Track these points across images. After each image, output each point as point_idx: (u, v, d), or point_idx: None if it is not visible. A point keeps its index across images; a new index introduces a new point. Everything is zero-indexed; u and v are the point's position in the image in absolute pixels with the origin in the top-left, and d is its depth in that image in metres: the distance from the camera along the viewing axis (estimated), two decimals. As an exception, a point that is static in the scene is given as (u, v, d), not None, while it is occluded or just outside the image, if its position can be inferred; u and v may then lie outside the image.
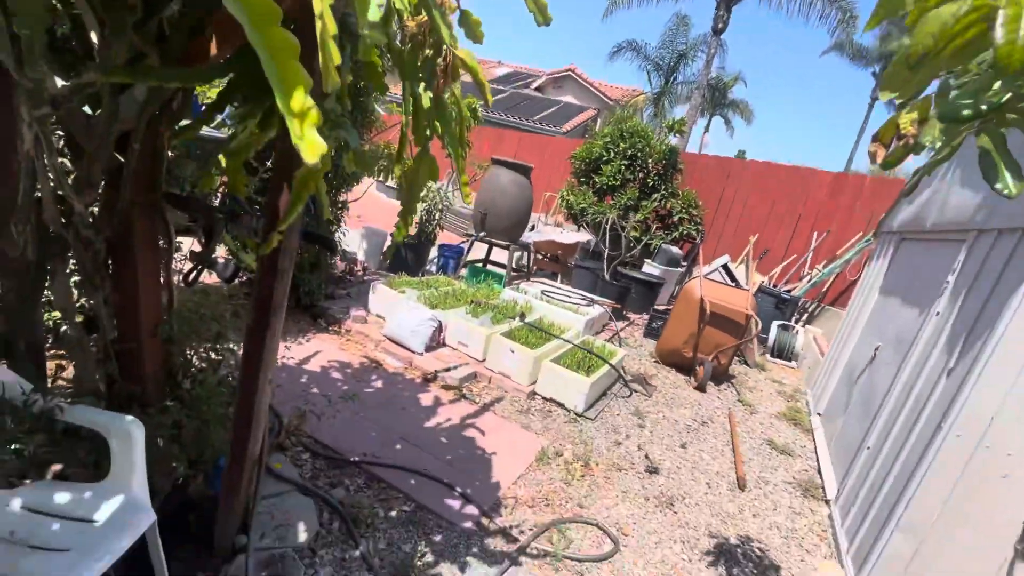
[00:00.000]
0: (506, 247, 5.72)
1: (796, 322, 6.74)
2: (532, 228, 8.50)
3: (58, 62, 1.42)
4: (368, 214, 9.49)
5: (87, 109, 1.58)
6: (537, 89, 19.62)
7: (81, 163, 1.56)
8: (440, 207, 6.32)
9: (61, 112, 1.42)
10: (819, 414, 4.26)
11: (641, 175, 7.48)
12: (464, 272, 5.87)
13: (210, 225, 1.69)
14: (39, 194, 1.51)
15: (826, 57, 20.11)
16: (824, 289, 6.93)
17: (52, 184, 1.50)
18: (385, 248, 5.81)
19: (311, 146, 0.49)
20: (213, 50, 1.43)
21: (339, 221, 4.35)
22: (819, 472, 3.42)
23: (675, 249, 7.23)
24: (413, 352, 3.69)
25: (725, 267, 6.38)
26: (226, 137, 1.80)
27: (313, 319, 4.04)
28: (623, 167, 7.43)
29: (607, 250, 6.64)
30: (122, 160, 1.57)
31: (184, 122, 1.66)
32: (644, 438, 3.37)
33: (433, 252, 6.27)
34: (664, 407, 3.95)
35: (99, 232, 1.60)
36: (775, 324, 6.11)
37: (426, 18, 1.12)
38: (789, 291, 6.75)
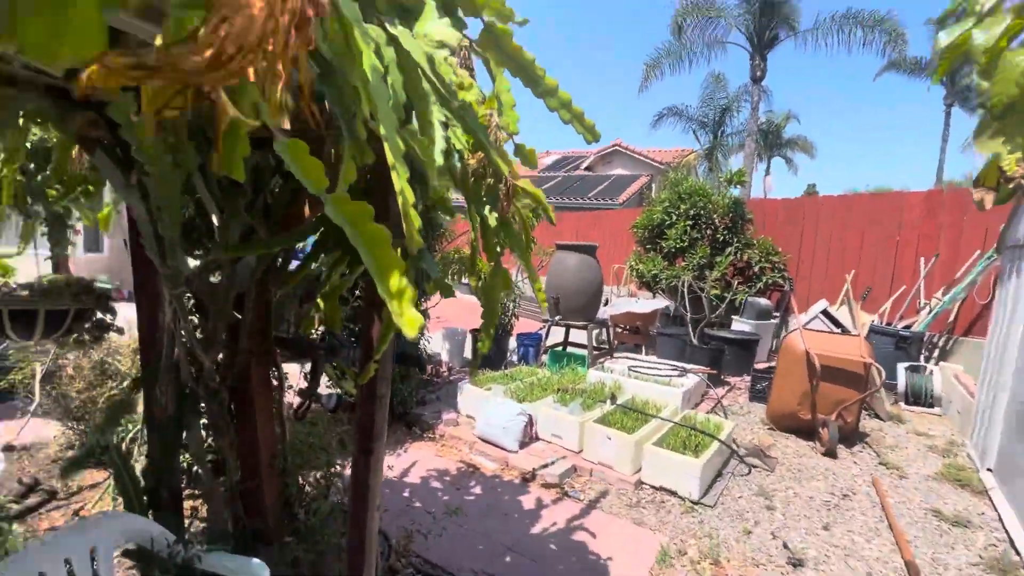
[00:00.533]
0: (583, 327, 5.68)
1: (926, 360, 5.92)
2: (606, 303, 8.42)
3: (188, 245, 1.70)
4: (446, 314, 9.91)
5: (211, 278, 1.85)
6: (587, 168, 20.39)
7: (207, 324, 1.80)
8: (513, 297, 6.49)
9: (192, 286, 1.67)
10: (990, 470, 3.57)
11: (709, 232, 7.31)
12: (545, 358, 5.84)
13: (314, 362, 1.84)
14: (176, 357, 1.74)
15: (883, 76, 19.41)
16: (951, 319, 6.10)
17: (187, 347, 1.73)
18: (467, 346, 5.96)
19: (410, 322, 0.54)
20: (307, 212, 1.66)
21: (423, 331, 4.57)
22: (1013, 546, 2.79)
23: (763, 301, 6.80)
24: (507, 451, 3.62)
25: (825, 313, 5.87)
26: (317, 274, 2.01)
27: (408, 427, 4.13)
28: (688, 227, 7.32)
29: (689, 313, 6.38)
30: (239, 317, 1.79)
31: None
32: (777, 523, 2.97)
33: (512, 342, 6.34)
34: (792, 482, 3.50)
35: (223, 383, 1.79)
36: (902, 367, 5.39)
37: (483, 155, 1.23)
38: (908, 327, 6.01)
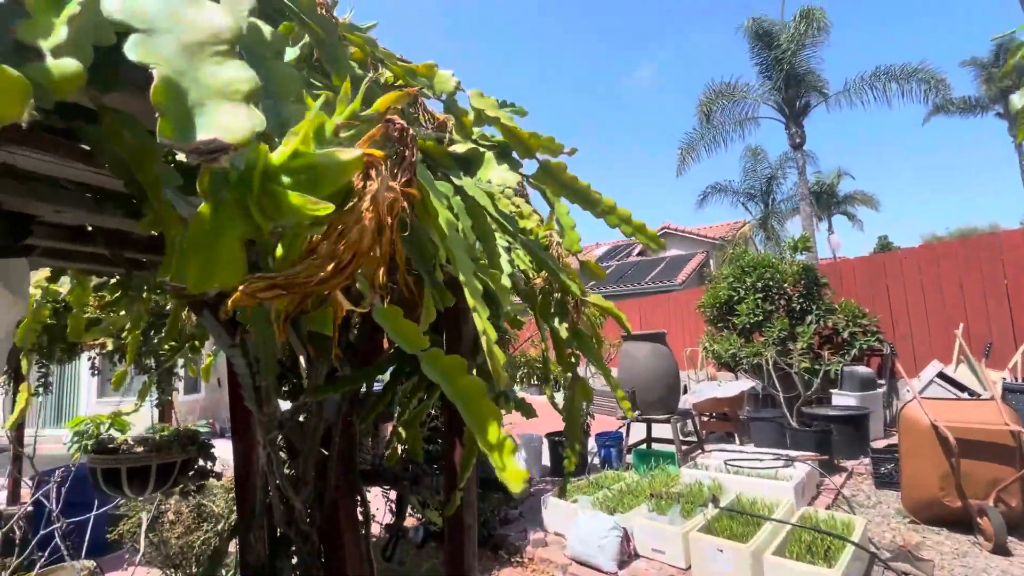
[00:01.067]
0: (666, 420, 5.32)
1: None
2: (685, 390, 7.94)
3: (278, 387, 1.80)
4: (519, 419, 9.64)
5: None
6: (639, 254, 20.51)
7: (297, 464, 1.85)
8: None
9: (284, 428, 1.75)
10: None
11: (782, 302, 6.93)
12: (630, 459, 5.44)
13: (399, 495, 1.81)
14: (270, 501, 1.77)
15: (931, 121, 18.90)
16: (1104, 365, 5.21)
17: (279, 489, 1.77)
18: (544, 453, 5.71)
19: (514, 475, 0.53)
20: (386, 344, 1.74)
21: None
22: None
23: (862, 369, 6.16)
24: (605, 573, 3.26)
25: (942, 375, 5.20)
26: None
27: (494, 551, 3.86)
28: (758, 300, 6.99)
29: (780, 392, 5.85)
30: (326, 453, 1.83)
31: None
32: (957, 650, 2.40)
33: (591, 443, 6.01)
34: (961, 592, 2.87)
35: (313, 524, 1.79)
36: (1059, 430, 4.54)
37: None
38: (1051, 381, 5.16)
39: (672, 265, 17.33)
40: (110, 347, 2.88)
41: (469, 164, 1.07)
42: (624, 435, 5.73)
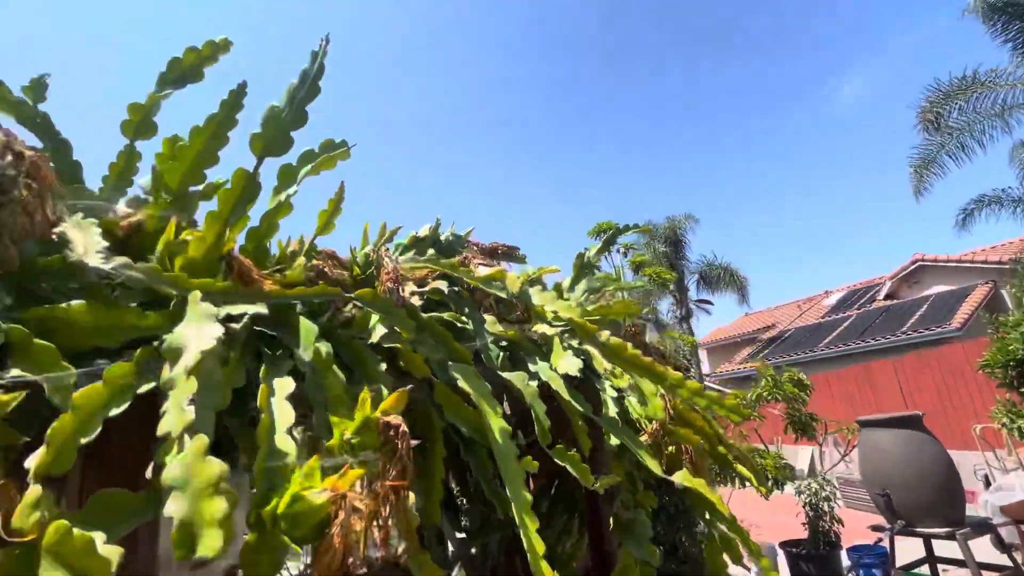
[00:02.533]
0: (949, 535, 3.99)
1: None
2: (988, 484, 5.89)
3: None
4: (748, 511, 8.38)
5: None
6: (888, 297, 16.70)
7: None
8: (826, 490, 5.14)
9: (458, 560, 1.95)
10: None
11: None
12: (904, 586, 4.17)
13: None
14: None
15: None
16: None
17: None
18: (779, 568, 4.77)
19: None
20: (530, 484, 1.85)
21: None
22: None
23: None
24: None
25: None
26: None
27: None
28: (1083, 353, 4.98)
29: None
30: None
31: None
32: None
33: (843, 558, 4.82)
34: None
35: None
36: None
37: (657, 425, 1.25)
38: None
39: (940, 307, 13.58)
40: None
41: (541, 349, 1.18)
42: (888, 551, 4.45)
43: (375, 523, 0.59)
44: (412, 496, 0.70)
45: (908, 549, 4.56)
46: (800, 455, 11.76)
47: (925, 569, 4.28)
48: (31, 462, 0.50)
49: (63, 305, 0.64)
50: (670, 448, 1.30)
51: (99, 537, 0.46)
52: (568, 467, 1.04)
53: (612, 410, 1.25)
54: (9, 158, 0.71)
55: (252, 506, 0.59)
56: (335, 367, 0.77)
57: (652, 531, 1.43)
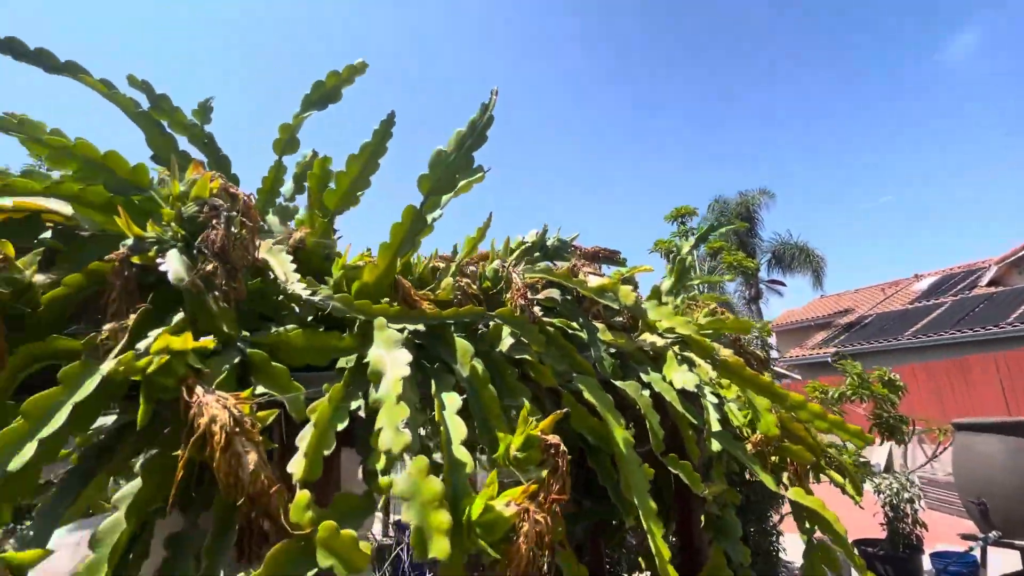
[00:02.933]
0: (1054, 550, 3.71)
1: None
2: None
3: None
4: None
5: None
6: (992, 283, 15.11)
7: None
8: (909, 491, 4.88)
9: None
10: None
11: None
12: (995, 598, 3.94)
13: (645, 623, 1.90)
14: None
15: None
16: None
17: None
18: (847, 571, 4.64)
19: None
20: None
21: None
22: None
23: None
24: None
25: None
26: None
27: None
28: None
29: None
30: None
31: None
32: None
33: (926, 562, 4.61)
34: None
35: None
36: None
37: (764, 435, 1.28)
38: None
39: (1055, 296, 12.14)
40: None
41: (655, 361, 1.24)
42: (979, 561, 4.20)
43: (548, 533, 0.68)
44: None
45: (1000, 563, 4.29)
46: (877, 451, 11.13)
47: (1021, 584, 4.01)
48: (293, 468, 0.63)
49: (284, 330, 0.78)
50: (773, 458, 1.33)
51: (353, 533, 0.58)
52: (681, 475, 1.10)
53: (715, 419, 1.29)
54: (228, 202, 0.84)
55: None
56: (489, 384, 0.87)
57: (741, 531, 1.48)
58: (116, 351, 0.69)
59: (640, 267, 1.83)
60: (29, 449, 0.58)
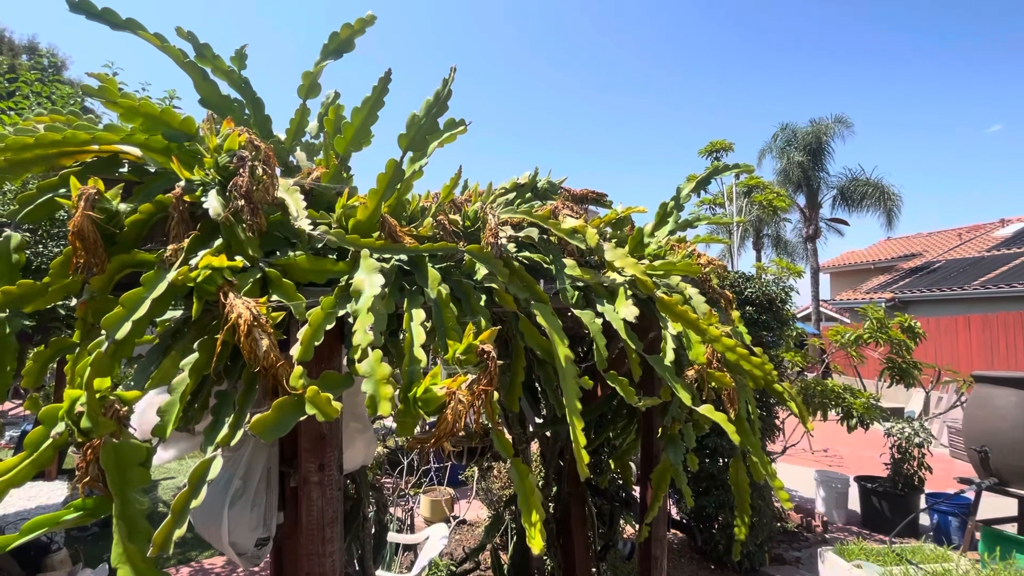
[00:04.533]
0: (1049, 501, 3.81)
1: None
2: None
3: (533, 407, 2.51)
4: (836, 443, 8.31)
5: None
6: (1086, 234, 13.63)
7: (543, 467, 2.52)
8: (920, 435, 5.00)
9: (534, 438, 2.45)
10: None
11: None
12: (979, 538, 4.14)
13: (611, 511, 2.26)
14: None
15: None
16: None
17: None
18: (851, 498, 4.93)
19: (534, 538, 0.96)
20: (599, 392, 2.21)
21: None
22: None
23: None
24: (886, 660, 2.82)
25: None
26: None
27: (756, 587, 3.78)
28: None
29: None
30: (561, 464, 2.44)
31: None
32: None
33: (921, 501, 4.81)
34: None
35: (552, 514, 2.43)
36: None
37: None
38: None
39: None
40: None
41: (612, 295, 1.44)
42: (973, 504, 4.36)
43: (471, 409, 0.96)
44: (496, 394, 1.06)
45: (998, 508, 4.43)
46: (914, 398, 10.97)
47: (1010, 528, 4.17)
48: (293, 352, 0.92)
49: (293, 255, 1.04)
50: (712, 384, 1.55)
51: (330, 395, 0.86)
52: (617, 388, 1.35)
53: (670, 347, 1.50)
54: (252, 152, 1.08)
55: (401, 390, 0.98)
56: (451, 304, 1.12)
57: (695, 443, 1.74)
58: (177, 264, 0.98)
59: (634, 207, 1.97)
60: (127, 327, 0.89)
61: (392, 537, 3.16)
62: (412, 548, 3.39)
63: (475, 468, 4.49)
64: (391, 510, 3.70)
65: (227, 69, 1.58)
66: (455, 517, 4.60)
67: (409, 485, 3.96)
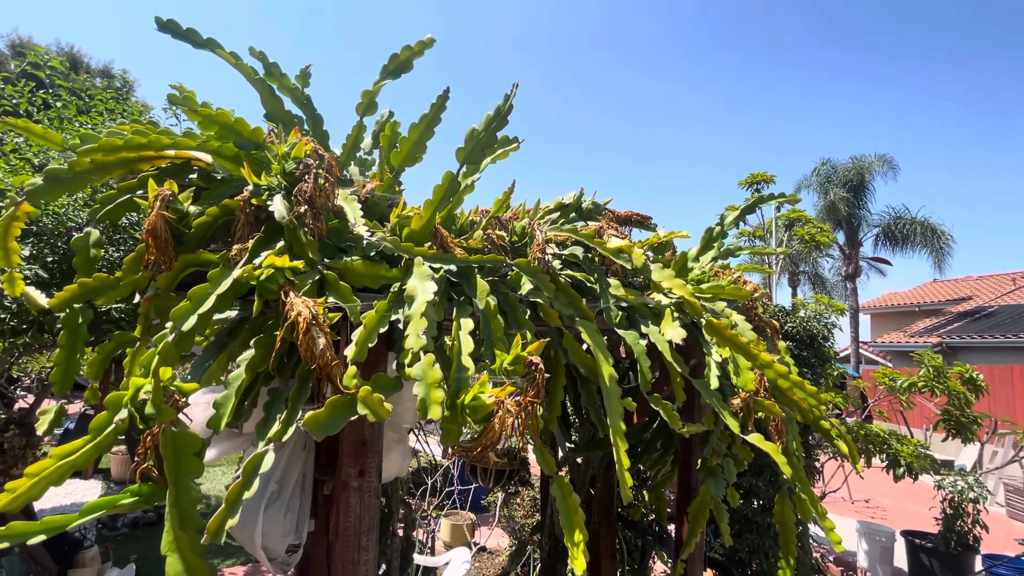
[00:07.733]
0: None
1: None
2: None
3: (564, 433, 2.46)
4: (879, 493, 7.82)
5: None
6: None
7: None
8: (975, 490, 4.65)
9: (566, 465, 2.39)
10: None
11: None
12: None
13: (643, 545, 2.17)
14: (553, 516, 2.44)
15: None
16: None
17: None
18: (896, 554, 4.60)
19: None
20: (635, 419, 2.15)
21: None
22: None
23: None
24: None
25: None
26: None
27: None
28: None
29: None
30: (592, 492, 2.36)
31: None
32: None
33: (977, 563, 4.45)
34: None
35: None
36: None
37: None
38: None
39: None
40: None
41: (658, 316, 1.42)
42: (1037, 570, 4.00)
43: (516, 420, 0.95)
44: (540, 409, 1.05)
45: (1066, 574, 4.04)
46: (965, 450, 10.28)
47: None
48: (348, 352, 0.93)
49: (349, 260, 1.07)
50: (760, 414, 1.49)
51: (382, 396, 0.87)
52: (661, 412, 1.31)
53: (714, 373, 1.46)
54: (316, 160, 1.13)
55: (448, 398, 0.98)
56: (499, 315, 1.13)
57: (736, 478, 1.66)
58: (241, 263, 1.02)
59: (677, 232, 1.95)
60: (192, 319, 0.92)
61: (414, 558, 3.10)
62: (432, 571, 3.32)
63: (499, 493, 4.41)
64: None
65: (292, 87, 1.67)
66: (475, 543, 4.50)
67: (432, 507, 3.91)
